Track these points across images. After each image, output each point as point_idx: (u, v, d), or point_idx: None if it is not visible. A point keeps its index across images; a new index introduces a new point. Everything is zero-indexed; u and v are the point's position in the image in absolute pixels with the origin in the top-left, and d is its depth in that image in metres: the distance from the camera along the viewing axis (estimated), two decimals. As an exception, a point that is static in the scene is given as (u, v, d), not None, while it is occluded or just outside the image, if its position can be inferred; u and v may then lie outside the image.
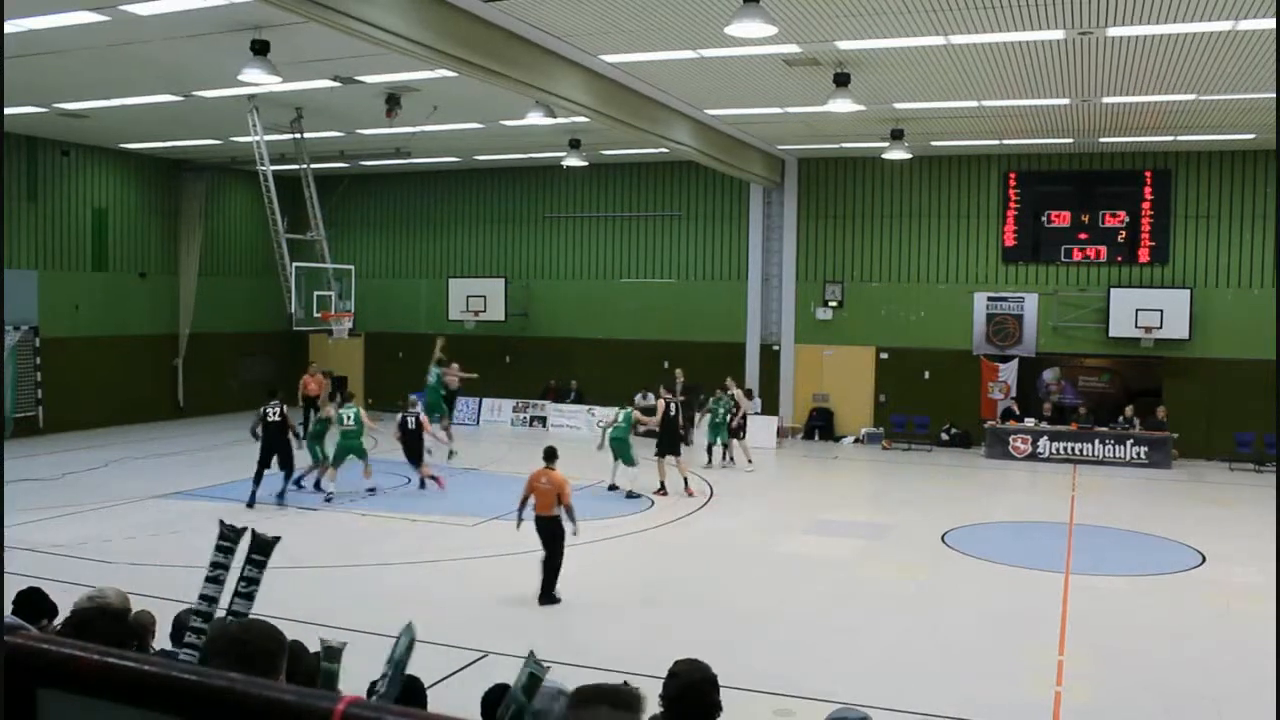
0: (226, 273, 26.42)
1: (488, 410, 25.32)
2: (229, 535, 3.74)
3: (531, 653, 4.17)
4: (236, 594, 3.57)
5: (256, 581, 3.63)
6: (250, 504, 14.98)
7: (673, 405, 17.53)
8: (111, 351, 23.22)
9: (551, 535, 10.68)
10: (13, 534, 12.23)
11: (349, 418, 16.15)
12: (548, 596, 10.63)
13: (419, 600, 10.67)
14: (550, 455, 11.14)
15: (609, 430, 17.11)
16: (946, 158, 22.24)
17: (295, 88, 15.78)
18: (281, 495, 15.40)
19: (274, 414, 15.57)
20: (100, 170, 23.33)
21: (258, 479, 15.22)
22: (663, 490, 16.67)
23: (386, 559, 12.42)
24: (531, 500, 10.92)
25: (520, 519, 11.01)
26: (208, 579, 3.60)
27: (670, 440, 16.97)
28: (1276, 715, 4.42)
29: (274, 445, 15.35)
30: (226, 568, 3.70)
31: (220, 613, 3.79)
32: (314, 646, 6.00)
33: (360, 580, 11.55)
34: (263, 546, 3.61)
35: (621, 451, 16.72)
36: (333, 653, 4.15)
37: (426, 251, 27.39)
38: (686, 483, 16.82)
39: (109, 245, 23.60)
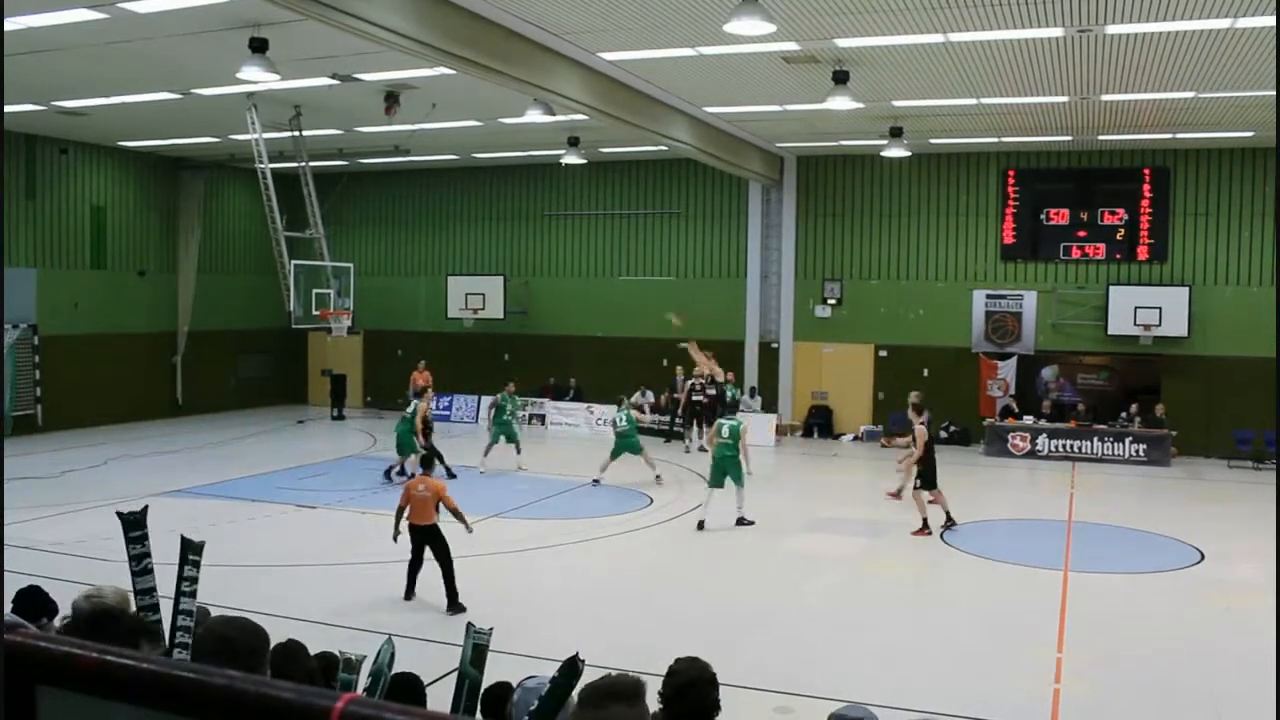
0: (225, 270, 26.41)
1: (487, 408, 25.30)
2: (135, 523, 3.75)
3: (469, 624, 4.19)
4: (181, 593, 3.57)
5: (196, 580, 3.65)
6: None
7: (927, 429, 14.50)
8: (110, 349, 23.22)
9: (431, 542, 10.52)
10: (12, 532, 12.23)
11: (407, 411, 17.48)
12: (454, 606, 10.23)
13: (419, 598, 10.68)
14: (428, 463, 11.27)
15: (722, 445, 14.60)
16: (945, 155, 22.24)
17: (294, 85, 15.76)
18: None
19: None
20: (99, 168, 23.31)
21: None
22: (925, 529, 13.83)
23: (387, 557, 12.41)
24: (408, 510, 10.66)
25: (398, 531, 10.68)
26: (136, 573, 3.59)
27: (932, 471, 14.07)
28: (1276, 713, 4.43)
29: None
30: (146, 555, 3.71)
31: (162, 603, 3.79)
32: (317, 648, 5.99)
33: (361, 578, 11.55)
34: (194, 548, 3.64)
35: (730, 469, 14.48)
36: (351, 665, 4.18)
37: (425, 249, 27.39)
38: (948, 515, 14.22)
39: (108, 243, 23.59)
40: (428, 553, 10.64)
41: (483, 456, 18.38)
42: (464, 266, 26.65)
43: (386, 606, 10.46)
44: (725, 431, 14.64)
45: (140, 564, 3.68)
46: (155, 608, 3.75)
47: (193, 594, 3.60)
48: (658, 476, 17.22)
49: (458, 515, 10.68)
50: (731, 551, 13.24)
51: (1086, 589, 11.45)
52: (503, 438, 18.55)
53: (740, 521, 14.27)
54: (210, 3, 11.39)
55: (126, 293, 23.94)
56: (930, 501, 14.10)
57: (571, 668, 2.70)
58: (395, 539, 10.75)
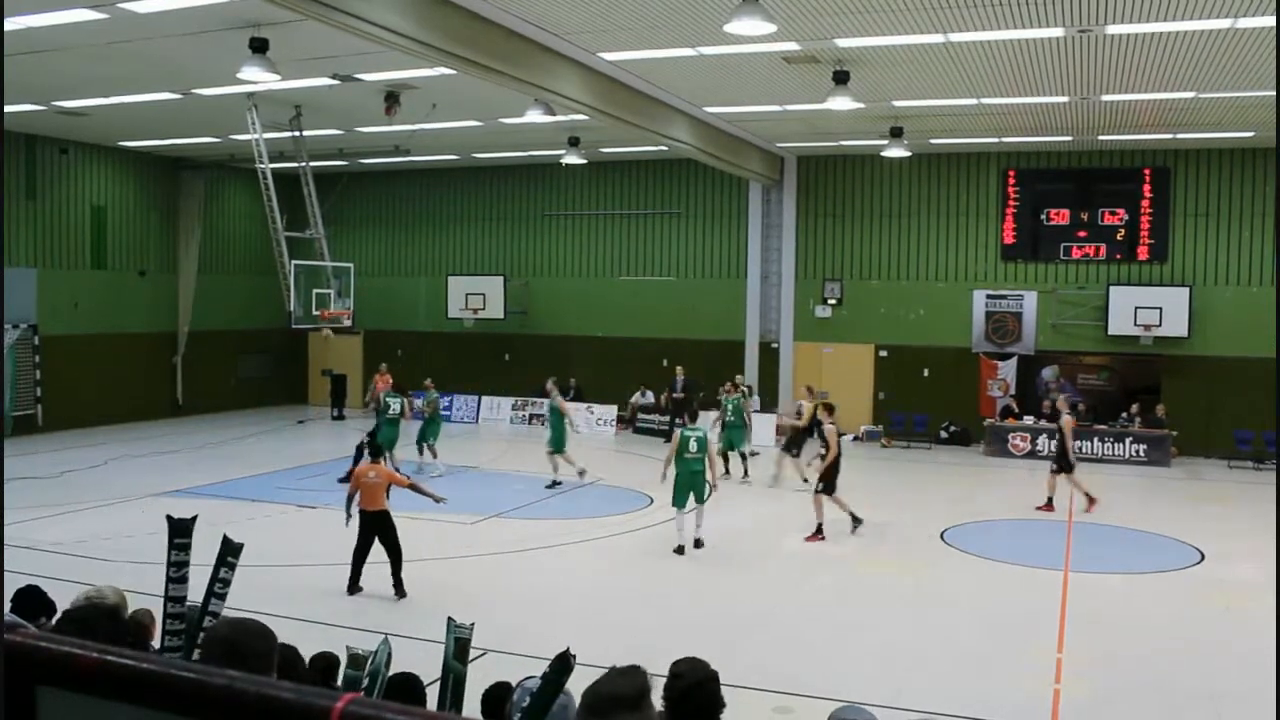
0: (225, 270, 26.41)
1: (486, 408, 25.34)
2: (183, 531, 3.74)
3: (450, 619, 4.18)
4: (213, 595, 3.57)
5: (229, 583, 3.64)
6: None
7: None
8: (110, 349, 23.22)
9: (382, 528, 10.78)
10: (12, 532, 12.23)
11: (394, 407, 17.54)
12: (400, 589, 10.74)
13: (419, 598, 10.67)
14: (376, 451, 11.72)
15: (691, 459, 13.08)
16: (946, 155, 22.24)
17: (294, 85, 15.76)
18: None
19: None
20: (99, 168, 23.31)
21: None
22: (819, 534, 13.83)
23: (384, 557, 12.42)
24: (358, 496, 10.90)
25: (349, 515, 10.89)
26: (173, 579, 3.59)
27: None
28: (1276, 713, 4.43)
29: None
30: (187, 564, 3.69)
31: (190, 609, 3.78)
32: (317, 648, 6.00)
33: (361, 578, 11.54)
34: (234, 550, 3.63)
35: (697, 485, 13.09)
36: (358, 661, 4.16)
37: (426, 249, 27.39)
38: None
39: (108, 243, 23.60)
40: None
41: (433, 458, 18.28)
42: (464, 266, 26.64)
43: (386, 606, 10.46)
44: (693, 445, 13.04)
45: (179, 571, 3.67)
46: (182, 618, 3.73)
47: (223, 597, 3.59)
48: (581, 471, 17.17)
49: (418, 490, 11.34)
50: (731, 552, 13.23)
51: (1086, 589, 11.46)
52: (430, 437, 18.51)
53: (698, 544, 12.97)
54: (210, 3, 11.38)
55: (126, 293, 23.94)
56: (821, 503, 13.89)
57: (563, 663, 2.69)
58: (346, 523, 10.95)
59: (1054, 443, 17.01)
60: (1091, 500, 15.65)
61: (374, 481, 10.87)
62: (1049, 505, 15.78)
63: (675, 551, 12.86)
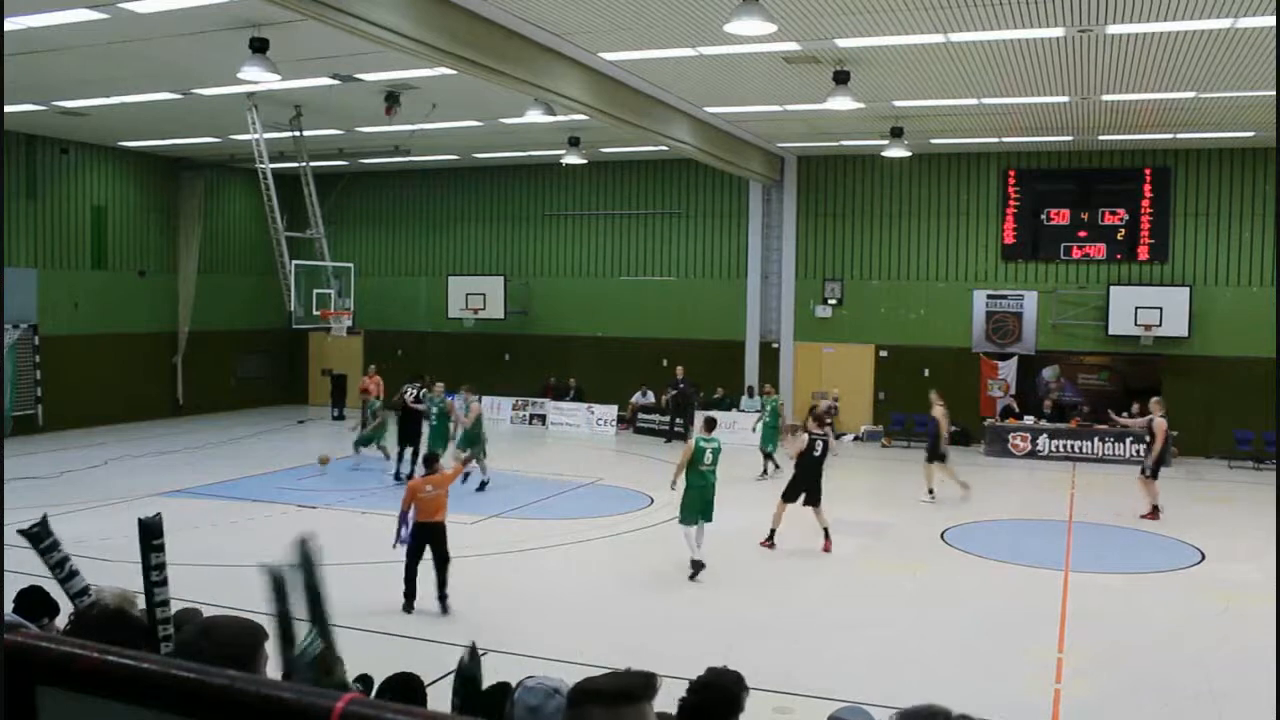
0: (226, 270, 26.41)
1: (487, 408, 25.25)
2: (156, 531, 3.60)
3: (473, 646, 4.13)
4: (154, 585, 3.43)
5: (164, 566, 3.50)
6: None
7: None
8: (110, 349, 23.22)
9: (437, 540, 10.26)
10: (12, 532, 12.21)
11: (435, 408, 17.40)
12: (444, 604, 10.22)
13: (419, 597, 10.67)
14: (431, 461, 10.93)
15: (708, 471, 11.94)
16: (946, 155, 22.24)
17: (294, 85, 15.77)
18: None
19: None
20: (99, 168, 23.31)
21: None
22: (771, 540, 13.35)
23: (386, 557, 12.42)
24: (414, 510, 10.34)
25: (399, 535, 10.35)
26: (156, 584, 3.47)
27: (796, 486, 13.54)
28: (1277, 713, 4.43)
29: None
30: (165, 565, 3.55)
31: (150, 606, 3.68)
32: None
33: (359, 578, 11.53)
34: (154, 530, 3.48)
35: (709, 500, 12.03)
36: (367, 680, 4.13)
37: (426, 249, 27.40)
38: (772, 533, 13.40)
39: (108, 243, 23.60)
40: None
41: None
42: (464, 266, 26.65)
43: (387, 607, 10.45)
44: (709, 457, 11.91)
45: (161, 574, 3.56)
46: (170, 621, 3.68)
47: (164, 583, 3.48)
48: (482, 484, 16.58)
49: (467, 463, 11.68)
50: (732, 552, 13.22)
51: (1087, 589, 11.46)
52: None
53: (696, 570, 11.68)
54: (210, 3, 11.39)
55: (127, 293, 23.94)
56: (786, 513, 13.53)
57: (471, 656, 2.66)
58: (395, 545, 10.48)
59: (1144, 448, 16.44)
60: (1155, 508, 15.24)
61: (431, 495, 10.29)
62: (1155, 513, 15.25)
63: (691, 578, 11.63)
